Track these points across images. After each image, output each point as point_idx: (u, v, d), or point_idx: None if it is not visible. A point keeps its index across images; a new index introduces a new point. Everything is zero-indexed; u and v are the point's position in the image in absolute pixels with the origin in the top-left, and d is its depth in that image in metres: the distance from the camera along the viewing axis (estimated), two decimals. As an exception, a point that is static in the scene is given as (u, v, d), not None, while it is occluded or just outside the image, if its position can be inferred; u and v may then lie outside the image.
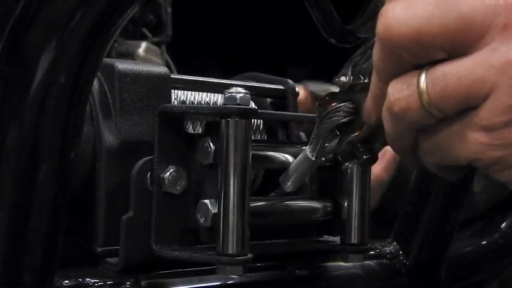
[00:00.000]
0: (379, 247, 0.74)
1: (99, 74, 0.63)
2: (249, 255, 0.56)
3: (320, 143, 0.57)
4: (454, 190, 0.77)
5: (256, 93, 0.71)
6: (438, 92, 0.46)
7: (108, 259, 0.61)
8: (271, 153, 0.64)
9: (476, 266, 0.90)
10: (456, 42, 0.46)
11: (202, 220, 0.59)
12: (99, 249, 0.60)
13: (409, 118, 0.48)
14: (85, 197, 0.61)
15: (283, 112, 0.73)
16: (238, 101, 0.56)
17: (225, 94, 0.57)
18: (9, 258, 0.47)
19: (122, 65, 0.63)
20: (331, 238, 0.69)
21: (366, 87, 0.54)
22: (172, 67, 1.64)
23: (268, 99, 0.75)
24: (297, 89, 0.75)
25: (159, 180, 0.59)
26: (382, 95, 0.50)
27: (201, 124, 0.66)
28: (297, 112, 0.74)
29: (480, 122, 0.46)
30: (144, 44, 1.62)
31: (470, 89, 0.46)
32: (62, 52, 0.46)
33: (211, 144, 0.59)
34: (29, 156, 0.46)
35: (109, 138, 0.61)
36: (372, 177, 0.68)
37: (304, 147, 0.60)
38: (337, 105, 0.56)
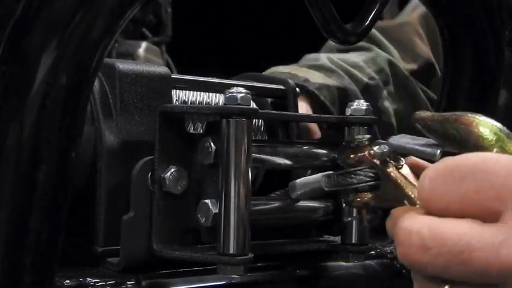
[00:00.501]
0: (380, 247, 0.74)
1: (99, 74, 0.63)
2: (250, 255, 0.56)
3: (337, 185, 0.58)
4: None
5: (256, 93, 0.71)
6: None
7: (109, 259, 0.61)
8: (272, 153, 0.64)
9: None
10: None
11: (203, 220, 0.59)
12: (100, 249, 0.60)
13: None
14: (86, 197, 0.61)
15: (284, 112, 0.73)
16: (239, 101, 0.56)
17: (225, 94, 0.57)
18: (9, 258, 0.47)
19: (123, 65, 0.63)
20: (331, 238, 0.70)
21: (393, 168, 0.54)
22: (172, 67, 1.64)
23: (269, 99, 0.75)
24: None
25: (160, 180, 0.59)
26: None
27: (201, 124, 0.66)
28: (297, 112, 0.74)
29: None
30: (144, 44, 1.62)
31: None
32: (63, 52, 0.46)
33: (212, 144, 0.59)
34: (30, 157, 0.46)
35: (110, 138, 0.61)
36: None
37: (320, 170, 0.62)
38: (364, 168, 0.56)
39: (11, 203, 0.47)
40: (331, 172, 0.59)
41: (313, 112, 0.92)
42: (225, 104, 0.57)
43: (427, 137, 0.51)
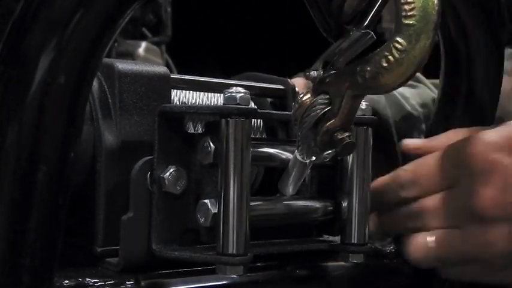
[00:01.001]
0: (380, 247, 0.74)
1: (99, 74, 0.63)
2: (249, 255, 0.56)
3: (306, 143, 0.57)
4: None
5: (256, 93, 0.71)
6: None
7: (108, 259, 0.60)
8: (271, 152, 0.64)
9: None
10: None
11: (202, 220, 0.59)
12: (99, 249, 0.60)
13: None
14: (85, 197, 0.61)
15: (283, 112, 0.73)
16: (238, 101, 0.56)
17: (224, 94, 0.57)
18: (8, 259, 0.47)
19: (122, 65, 0.62)
20: (331, 238, 0.69)
21: (335, 77, 0.54)
22: (172, 67, 1.64)
23: (268, 99, 0.75)
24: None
25: (159, 180, 0.59)
26: None
27: (201, 124, 0.66)
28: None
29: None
30: (144, 44, 1.62)
31: None
32: (62, 52, 0.46)
33: (211, 144, 0.59)
34: (29, 157, 0.46)
35: (109, 138, 0.61)
36: None
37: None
38: (312, 101, 0.56)
39: (10, 203, 0.47)
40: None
41: None
42: (224, 104, 0.57)
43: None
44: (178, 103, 0.66)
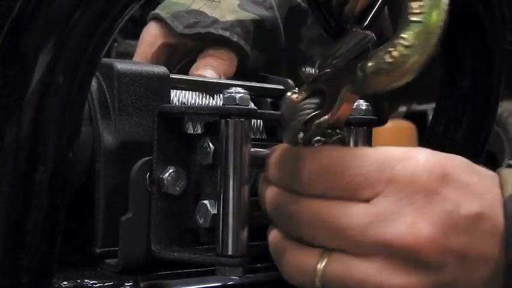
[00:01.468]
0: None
1: (98, 74, 0.63)
2: (249, 256, 0.56)
3: (292, 137, 0.56)
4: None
5: (255, 93, 0.71)
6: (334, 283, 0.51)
7: (107, 260, 0.60)
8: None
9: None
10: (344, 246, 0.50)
11: (201, 221, 0.59)
12: (98, 250, 0.60)
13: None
14: (84, 198, 0.61)
15: (283, 112, 0.72)
16: (237, 101, 0.56)
17: (224, 94, 0.57)
18: (7, 260, 0.47)
19: (121, 65, 0.62)
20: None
21: (332, 74, 0.53)
22: (172, 67, 1.64)
23: (268, 99, 0.75)
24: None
25: (159, 180, 0.59)
26: None
27: (200, 124, 0.66)
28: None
29: None
30: (143, 44, 1.61)
31: None
32: (60, 52, 0.46)
33: (210, 144, 0.59)
34: (27, 157, 0.46)
35: (108, 138, 0.61)
36: None
37: None
38: (303, 100, 0.55)
39: (9, 203, 0.47)
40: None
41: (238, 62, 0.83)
42: (223, 104, 0.57)
43: None
44: (177, 103, 0.66)
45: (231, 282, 0.61)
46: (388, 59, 0.50)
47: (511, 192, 0.49)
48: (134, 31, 1.68)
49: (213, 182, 0.58)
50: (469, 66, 0.72)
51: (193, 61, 0.82)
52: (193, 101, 0.68)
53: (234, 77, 0.80)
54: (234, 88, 0.57)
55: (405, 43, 0.50)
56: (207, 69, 0.78)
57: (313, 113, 0.54)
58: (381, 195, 0.49)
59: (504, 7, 0.70)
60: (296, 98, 0.55)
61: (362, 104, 0.66)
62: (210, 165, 0.59)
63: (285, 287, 0.66)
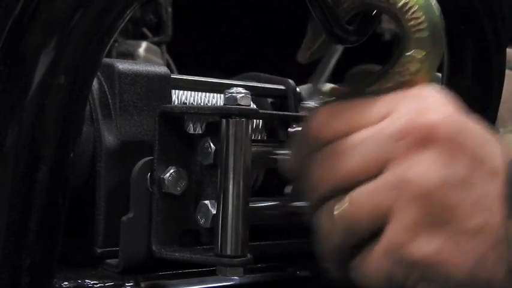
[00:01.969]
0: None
1: (99, 74, 0.63)
2: (249, 256, 0.56)
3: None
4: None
5: (256, 93, 0.71)
6: (351, 213, 0.50)
7: (108, 260, 0.60)
8: (272, 153, 0.64)
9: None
10: (370, 173, 0.50)
11: (202, 221, 0.59)
12: (99, 250, 0.60)
13: (334, 239, 0.52)
14: (85, 198, 0.61)
15: (284, 112, 0.72)
16: (238, 101, 0.56)
17: (225, 94, 0.57)
18: (8, 260, 0.47)
19: (122, 65, 0.62)
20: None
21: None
22: (173, 67, 1.63)
23: (269, 99, 0.75)
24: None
25: (159, 180, 0.59)
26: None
27: (201, 124, 0.66)
28: (297, 112, 0.74)
29: (381, 247, 0.50)
30: (144, 44, 1.61)
31: (373, 213, 0.49)
32: (61, 52, 0.46)
33: (211, 144, 0.59)
34: (28, 157, 0.46)
35: (109, 138, 0.61)
36: None
37: None
38: None
39: (10, 203, 0.47)
40: None
41: None
42: (224, 104, 0.57)
43: None
44: (178, 103, 0.66)
45: (232, 282, 0.61)
46: (401, 78, 0.53)
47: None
48: (134, 31, 1.68)
49: (214, 182, 0.58)
50: (470, 66, 0.72)
51: None
52: (194, 101, 0.68)
53: (234, 77, 0.80)
54: (234, 88, 0.57)
55: (418, 57, 0.53)
56: None
57: None
58: (395, 110, 0.51)
59: (504, 7, 0.70)
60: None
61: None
62: (211, 165, 0.59)
63: (285, 287, 0.66)
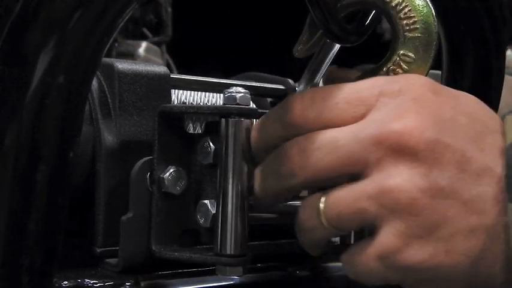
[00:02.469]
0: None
1: (98, 73, 0.63)
2: (249, 256, 0.56)
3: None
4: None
5: (256, 93, 0.71)
6: (334, 216, 0.50)
7: (108, 260, 0.60)
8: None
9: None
10: (342, 174, 0.50)
11: (202, 221, 0.59)
12: (99, 250, 0.60)
13: (318, 234, 0.53)
14: (84, 198, 0.61)
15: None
16: (237, 101, 0.56)
17: (224, 94, 0.57)
18: (8, 259, 0.47)
19: (122, 65, 0.62)
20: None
21: None
22: (173, 67, 1.64)
23: (269, 99, 0.75)
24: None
25: (159, 180, 0.59)
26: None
27: (201, 124, 0.66)
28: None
29: (374, 251, 0.49)
30: (144, 44, 1.62)
31: (357, 216, 0.49)
32: (61, 51, 0.46)
33: (211, 144, 0.59)
34: (28, 157, 0.46)
35: (108, 138, 0.61)
36: None
37: None
38: None
39: (10, 203, 0.47)
40: None
41: None
42: (224, 104, 0.57)
43: None
44: (178, 103, 0.66)
45: (232, 282, 0.61)
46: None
47: None
48: (134, 31, 1.68)
49: (214, 181, 0.58)
50: (470, 66, 0.72)
51: None
52: (193, 101, 0.68)
53: (233, 77, 0.80)
54: (234, 88, 0.57)
55: (407, 59, 0.53)
56: None
57: None
58: (374, 108, 0.49)
59: (504, 7, 0.70)
60: None
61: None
62: (211, 165, 0.59)
63: (285, 287, 0.66)
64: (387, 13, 0.54)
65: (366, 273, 0.50)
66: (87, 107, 0.61)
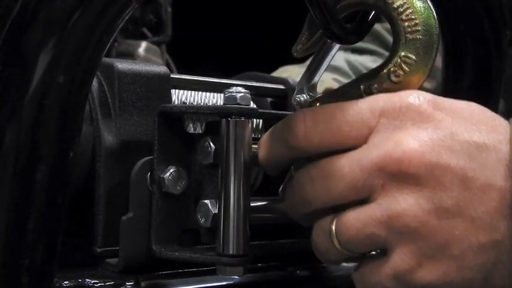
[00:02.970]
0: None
1: (98, 73, 0.63)
2: (249, 256, 0.56)
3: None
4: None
5: (256, 93, 0.71)
6: (346, 240, 0.52)
7: (108, 260, 0.60)
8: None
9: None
10: (351, 200, 0.51)
11: (202, 220, 0.59)
12: (99, 250, 0.60)
13: (332, 256, 0.54)
14: (84, 198, 0.61)
15: (284, 112, 0.72)
16: (238, 101, 0.56)
17: (225, 94, 0.57)
18: (8, 259, 0.47)
19: (122, 65, 0.62)
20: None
21: (324, 101, 0.56)
22: (173, 67, 1.64)
23: (269, 99, 0.75)
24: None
25: (159, 180, 0.59)
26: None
27: (201, 124, 0.66)
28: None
29: (389, 271, 0.50)
30: (144, 44, 1.61)
31: (368, 240, 0.51)
32: (61, 51, 0.46)
33: (211, 144, 0.59)
34: (28, 157, 0.46)
35: (108, 138, 0.61)
36: None
37: None
38: None
39: (9, 203, 0.47)
40: None
41: None
42: (224, 103, 0.57)
43: None
44: (178, 103, 0.66)
45: (232, 282, 0.61)
46: (393, 78, 0.54)
47: None
48: (134, 31, 1.68)
49: (214, 181, 0.58)
50: (470, 66, 0.72)
51: None
52: (193, 100, 0.68)
53: (234, 77, 0.80)
54: (234, 88, 0.57)
55: (408, 60, 0.53)
56: None
57: None
58: (374, 130, 0.51)
59: (504, 7, 0.70)
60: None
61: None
62: (211, 164, 0.59)
63: (285, 287, 0.66)
64: (388, 14, 0.54)
65: None
66: (87, 107, 0.61)
